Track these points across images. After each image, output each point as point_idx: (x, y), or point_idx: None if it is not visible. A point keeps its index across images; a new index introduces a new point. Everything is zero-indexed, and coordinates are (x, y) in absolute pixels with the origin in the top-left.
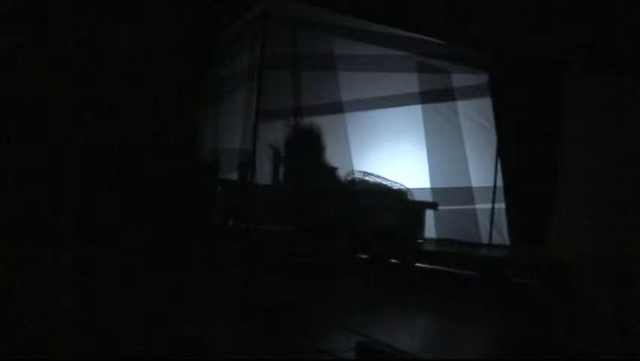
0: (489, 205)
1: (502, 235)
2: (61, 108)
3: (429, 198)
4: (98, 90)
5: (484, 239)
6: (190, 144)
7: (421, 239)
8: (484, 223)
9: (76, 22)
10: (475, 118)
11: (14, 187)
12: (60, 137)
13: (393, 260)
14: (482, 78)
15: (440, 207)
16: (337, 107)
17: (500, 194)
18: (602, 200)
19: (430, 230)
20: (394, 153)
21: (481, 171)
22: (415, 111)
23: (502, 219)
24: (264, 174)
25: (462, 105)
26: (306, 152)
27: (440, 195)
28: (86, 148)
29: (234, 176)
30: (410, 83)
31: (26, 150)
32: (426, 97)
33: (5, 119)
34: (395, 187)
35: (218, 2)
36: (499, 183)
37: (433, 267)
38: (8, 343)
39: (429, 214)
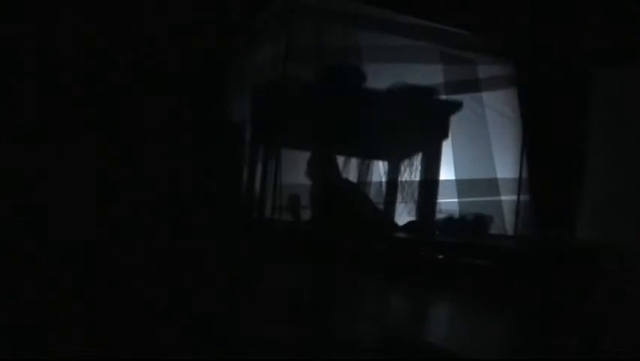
0: (514, 197)
1: (527, 227)
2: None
3: (453, 191)
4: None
5: (509, 231)
6: (214, 137)
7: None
8: (509, 215)
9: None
10: (500, 109)
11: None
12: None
13: None
14: (508, 68)
15: (465, 199)
16: None
17: (526, 186)
18: (629, 192)
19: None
20: None
21: (506, 162)
22: None
23: (527, 211)
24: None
25: (487, 96)
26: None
27: (465, 187)
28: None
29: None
30: (435, 74)
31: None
32: (451, 88)
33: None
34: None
35: None
36: (525, 175)
37: (457, 258)
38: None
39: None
